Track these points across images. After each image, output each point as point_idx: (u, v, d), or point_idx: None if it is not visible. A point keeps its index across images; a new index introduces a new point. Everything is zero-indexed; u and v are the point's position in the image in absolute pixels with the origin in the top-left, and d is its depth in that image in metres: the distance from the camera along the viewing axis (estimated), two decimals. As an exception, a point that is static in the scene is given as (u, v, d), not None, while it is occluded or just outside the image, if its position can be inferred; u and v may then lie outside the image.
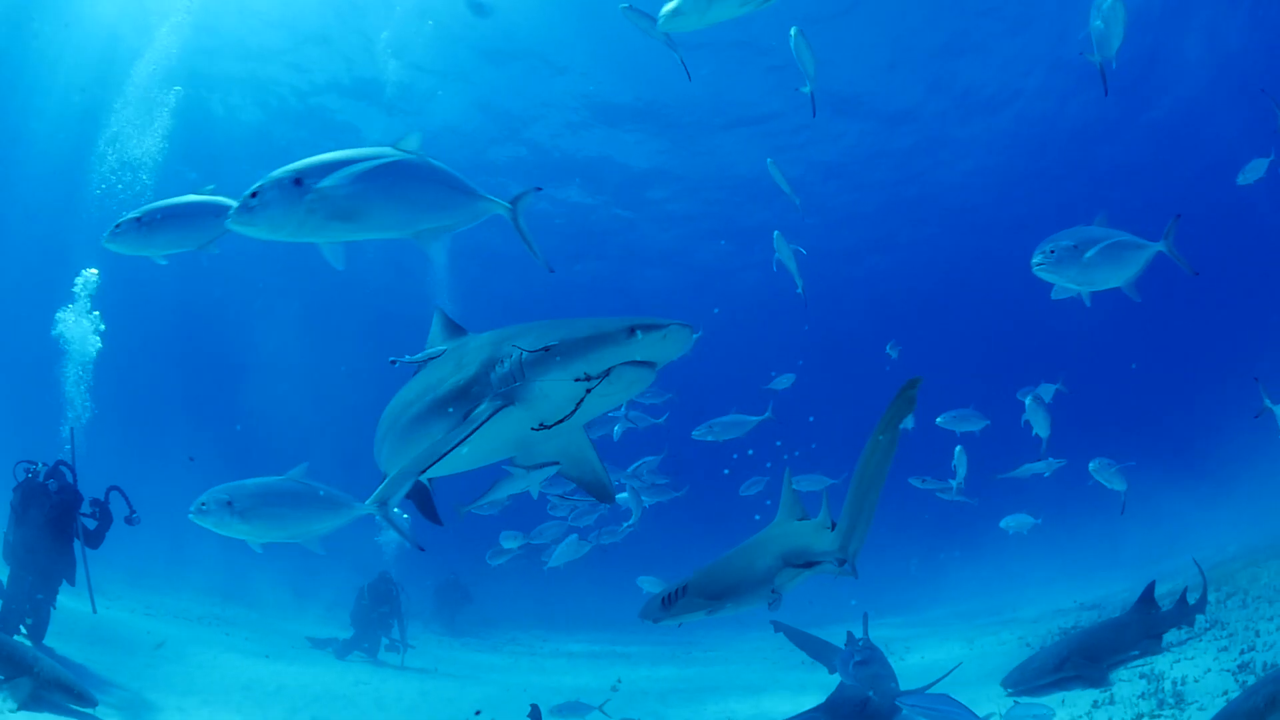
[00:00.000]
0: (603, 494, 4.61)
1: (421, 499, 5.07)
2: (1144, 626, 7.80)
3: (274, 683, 9.14)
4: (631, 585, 9.90)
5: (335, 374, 29.31)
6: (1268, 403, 7.85)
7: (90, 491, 8.23)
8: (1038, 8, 19.39)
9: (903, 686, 6.64)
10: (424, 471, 3.87)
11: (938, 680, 7.09)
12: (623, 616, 10.25)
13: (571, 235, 27.83)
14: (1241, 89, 19.02)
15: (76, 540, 8.14)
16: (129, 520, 8.14)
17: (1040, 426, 7.97)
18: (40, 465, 8.20)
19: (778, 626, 8.04)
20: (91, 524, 8.17)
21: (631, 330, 3.49)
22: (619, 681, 10.68)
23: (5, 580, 8.07)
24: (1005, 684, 7.47)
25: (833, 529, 4.61)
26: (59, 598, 8.22)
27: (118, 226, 4.55)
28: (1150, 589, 7.98)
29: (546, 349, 3.56)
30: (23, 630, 7.86)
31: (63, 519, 8.00)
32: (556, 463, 4.37)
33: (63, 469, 8.17)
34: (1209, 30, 20.13)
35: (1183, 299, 25.08)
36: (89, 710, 6.22)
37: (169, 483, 11.49)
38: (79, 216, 19.65)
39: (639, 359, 3.54)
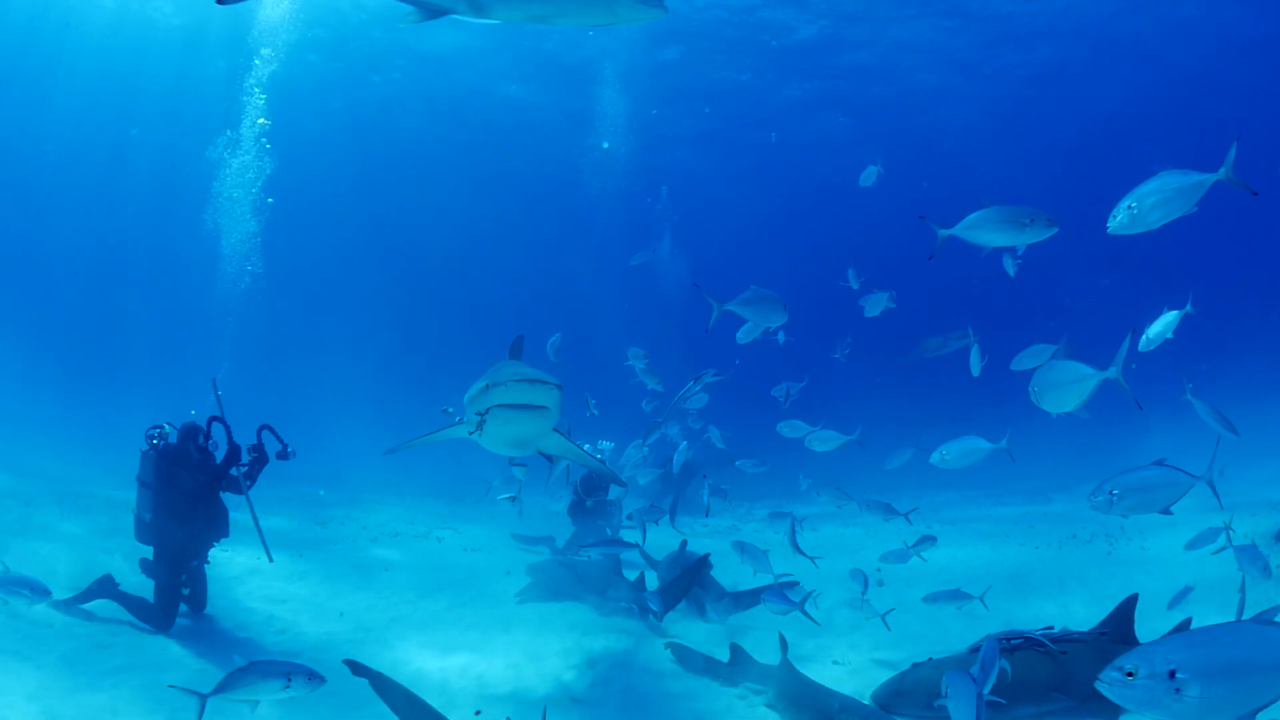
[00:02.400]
0: (607, 477, 5.70)
1: None
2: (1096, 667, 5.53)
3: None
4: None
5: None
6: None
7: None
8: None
9: None
10: (410, 445, 5.99)
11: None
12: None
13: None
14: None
15: (224, 493, 7.58)
16: (282, 455, 7.61)
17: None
18: (167, 426, 7.54)
19: None
20: (244, 470, 7.55)
21: (486, 386, 4.87)
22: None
23: (157, 560, 7.41)
24: (874, 698, 5.81)
25: None
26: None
27: None
28: (1128, 607, 5.57)
29: (468, 397, 5.13)
30: (183, 609, 7.48)
31: (219, 477, 7.43)
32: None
33: (216, 424, 7.52)
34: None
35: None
36: None
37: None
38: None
39: (502, 403, 4.84)
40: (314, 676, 4.53)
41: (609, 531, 12.44)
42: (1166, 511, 4.83)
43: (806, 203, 33.45)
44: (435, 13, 3.43)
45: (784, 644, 6.46)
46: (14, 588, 6.37)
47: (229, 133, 19.69)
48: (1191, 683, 2.89)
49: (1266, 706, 3.00)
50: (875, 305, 9.72)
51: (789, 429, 9.70)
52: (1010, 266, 8.75)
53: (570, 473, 10.98)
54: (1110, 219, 4.61)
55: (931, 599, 7.60)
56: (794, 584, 8.32)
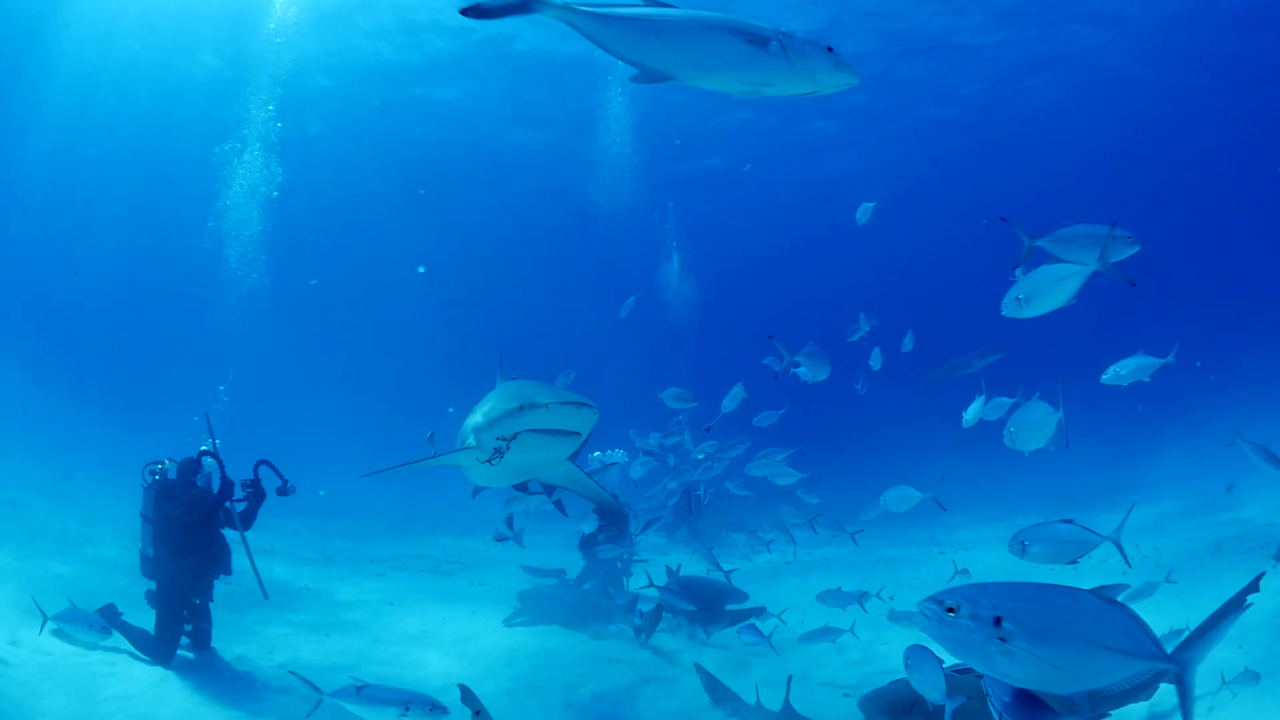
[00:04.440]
0: (611, 511, 5.57)
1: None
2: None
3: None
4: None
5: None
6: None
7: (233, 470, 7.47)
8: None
9: None
10: (398, 468, 5.37)
11: None
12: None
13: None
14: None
15: (224, 529, 7.52)
16: (282, 491, 7.49)
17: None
18: (168, 461, 7.52)
19: None
20: (240, 506, 7.47)
21: (520, 407, 4.48)
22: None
23: (157, 594, 7.36)
24: (859, 704, 6.01)
25: None
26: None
27: None
28: None
29: (485, 419, 4.73)
30: (185, 641, 7.38)
31: (212, 513, 7.34)
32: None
33: (207, 459, 7.45)
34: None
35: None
36: None
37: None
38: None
39: (536, 428, 4.47)
40: (435, 708, 4.37)
41: (619, 565, 12.28)
42: (1073, 562, 5.01)
43: (817, 232, 33.65)
44: (659, 79, 3.58)
45: (788, 687, 6.31)
46: (78, 624, 6.49)
47: (234, 141, 20.07)
48: (1019, 636, 2.59)
49: (1098, 692, 2.73)
50: (877, 358, 10.34)
51: (755, 469, 10.50)
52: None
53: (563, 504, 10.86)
54: (1003, 304, 5.15)
55: (896, 618, 7.65)
56: (761, 610, 8.61)
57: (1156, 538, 11.84)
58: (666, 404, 11.15)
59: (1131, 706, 5.52)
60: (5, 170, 29.44)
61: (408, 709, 4.34)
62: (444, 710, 4.35)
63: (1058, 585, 2.76)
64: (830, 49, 3.42)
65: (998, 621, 2.61)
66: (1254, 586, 5.48)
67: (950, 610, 2.64)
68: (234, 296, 22.78)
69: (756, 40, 3.36)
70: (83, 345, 37.89)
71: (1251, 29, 20.87)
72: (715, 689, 6.90)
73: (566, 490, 6.38)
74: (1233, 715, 5.72)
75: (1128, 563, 4.85)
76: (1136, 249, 5.39)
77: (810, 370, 8.42)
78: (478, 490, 6.04)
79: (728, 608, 9.14)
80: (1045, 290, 5.05)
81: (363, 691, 4.41)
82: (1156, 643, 2.67)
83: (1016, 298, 5.08)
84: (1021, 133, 26.54)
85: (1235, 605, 3.02)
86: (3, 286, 34.98)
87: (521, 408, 4.47)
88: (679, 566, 9.69)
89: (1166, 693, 5.83)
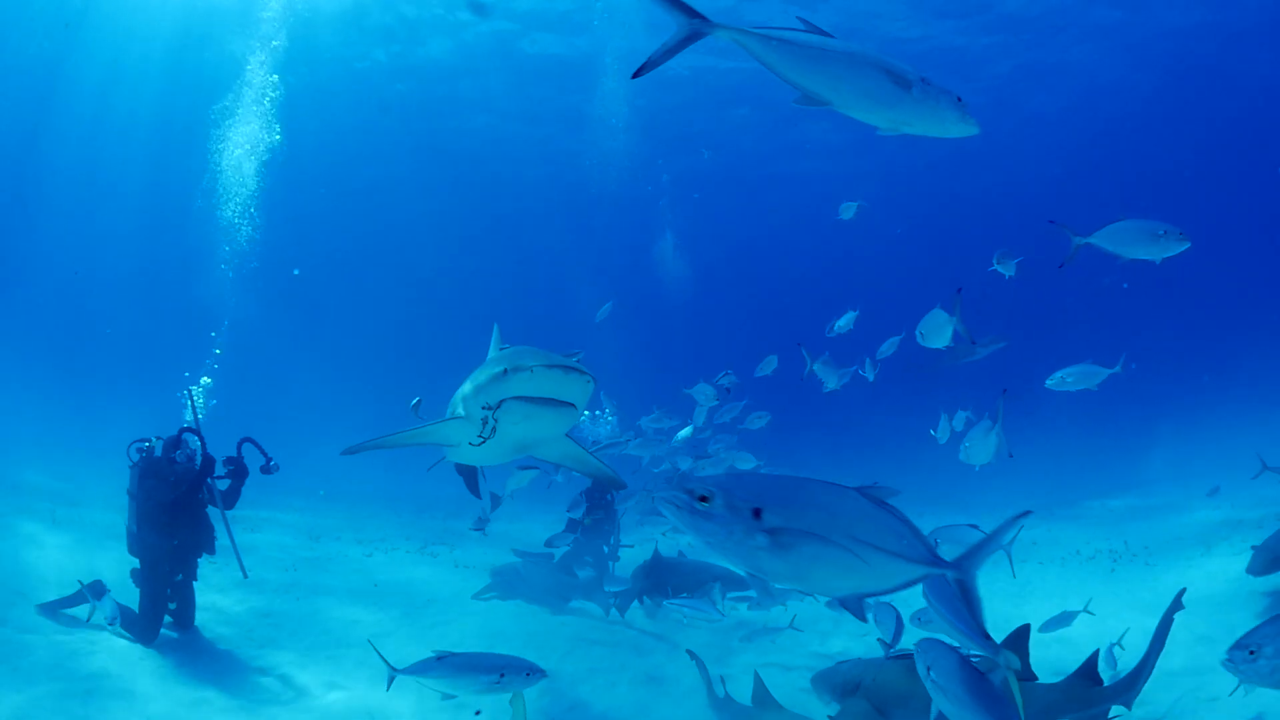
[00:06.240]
0: (611, 484, 5.63)
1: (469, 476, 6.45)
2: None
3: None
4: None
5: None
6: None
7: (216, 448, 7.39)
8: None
9: None
10: (378, 445, 4.92)
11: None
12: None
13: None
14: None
15: (209, 506, 7.46)
16: (266, 470, 7.42)
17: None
18: (154, 439, 7.46)
19: None
20: (223, 484, 7.44)
21: (505, 371, 4.09)
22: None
23: (140, 573, 7.30)
24: (812, 683, 5.79)
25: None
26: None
27: None
28: (1021, 635, 4.59)
29: (472, 386, 4.43)
30: (169, 620, 7.37)
31: (193, 489, 7.26)
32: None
33: (187, 436, 7.39)
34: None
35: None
36: None
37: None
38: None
39: (522, 395, 4.09)
40: (533, 672, 4.22)
41: (605, 550, 12.18)
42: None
43: (815, 233, 33.72)
44: (818, 104, 3.66)
45: (756, 678, 6.15)
46: (86, 601, 6.59)
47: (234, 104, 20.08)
48: (781, 530, 2.35)
49: (870, 596, 2.62)
50: (871, 370, 10.39)
51: (711, 465, 11.51)
52: (1012, 268, 8.73)
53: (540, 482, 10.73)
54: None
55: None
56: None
57: (1147, 536, 11.86)
58: (696, 399, 11.24)
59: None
60: (5, 163, 29.29)
61: (502, 676, 4.20)
62: (542, 673, 4.23)
63: (822, 480, 2.57)
64: (960, 99, 3.56)
65: (757, 514, 2.38)
66: (1178, 604, 5.50)
67: (704, 499, 2.38)
68: (227, 252, 22.71)
69: (901, 81, 3.48)
70: (79, 325, 37.80)
71: (1247, 40, 21.00)
72: (704, 674, 6.87)
73: (567, 469, 6.11)
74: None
75: (1013, 573, 4.99)
76: (1188, 245, 5.49)
77: (823, 376, 9.57)
78: (435, 464, 5.69)
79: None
80: (932, 333, 6.72)
81: (448, 661, 4.25)
82: (931, 549, 2.60)
83: (920, 332, 6.72)
84: (1019, 134, 26.59)
85: (1016, 521, 2.86)
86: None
87: (506, 372, 4.10)
88: (655, 545, 9.72)
89: (1158, 692, 5.82)
